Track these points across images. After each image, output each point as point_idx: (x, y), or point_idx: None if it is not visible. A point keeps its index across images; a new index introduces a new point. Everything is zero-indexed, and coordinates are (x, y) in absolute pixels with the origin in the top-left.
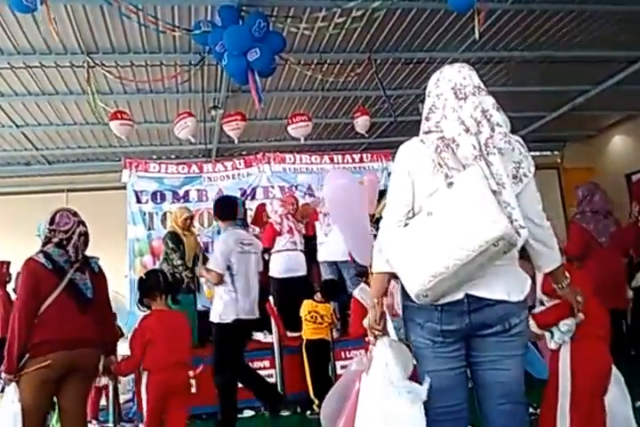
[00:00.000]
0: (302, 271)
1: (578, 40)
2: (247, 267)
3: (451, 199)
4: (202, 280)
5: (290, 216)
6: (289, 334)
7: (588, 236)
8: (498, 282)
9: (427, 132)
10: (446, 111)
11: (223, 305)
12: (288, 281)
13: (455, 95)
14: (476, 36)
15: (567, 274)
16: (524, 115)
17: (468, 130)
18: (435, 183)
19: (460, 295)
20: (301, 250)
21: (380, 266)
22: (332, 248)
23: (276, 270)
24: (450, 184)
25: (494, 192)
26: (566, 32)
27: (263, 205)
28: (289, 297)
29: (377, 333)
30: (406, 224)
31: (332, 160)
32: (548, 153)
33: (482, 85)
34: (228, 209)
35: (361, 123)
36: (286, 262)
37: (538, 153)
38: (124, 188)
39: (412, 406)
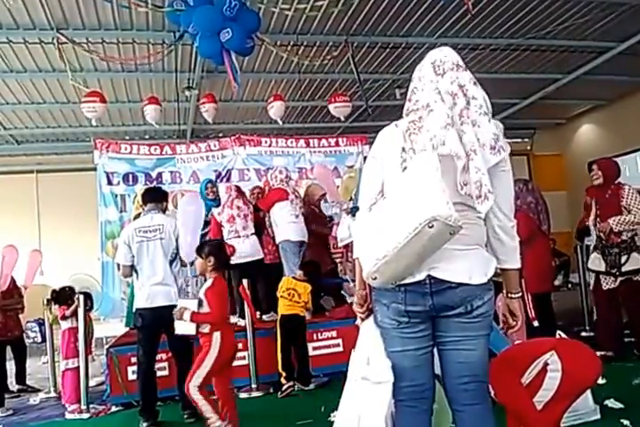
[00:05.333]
0: (255, 256)
1: (550, 29)
2: (151, 255)
3: (402, 183)
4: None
5: (232, 204)
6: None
7: (534, 224)
8: (460, 265)
9: (407, 114)
10: (425, 85)
11: (136, 294)
12: (241, 267)
13: (434, 70)
14: (470, 9)
15: (521, 288)
16: (495, 102)
17: (443, 100)
18: (395, 169)
19: (422, 276)
20: (250, 234)
21: (356, 251)
22: (301, 230)
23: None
24: (404, 168)
25: (468, 157)
26: (539, 21)
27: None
28: (251, 282)
29: (361, 315)
30: (371, 209)
31: (307, 144)
32: (519, 140)
33: (461, 63)
34: (143, 197)
35: (338, 109)
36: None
37: (509, 140)
38: (95, 169)
39: (377, 388)
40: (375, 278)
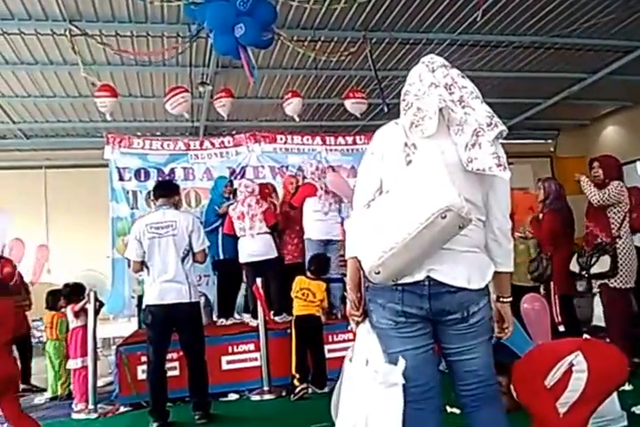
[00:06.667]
0: (267, 255)
1: (575, 27)
2: (163, 251)
3: (407, 176)
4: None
5: (244, 201)
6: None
7: (559, 225)
8: (460, 268)
9: (405, 111)
10: (421, 81)
11: (146, 290)
12: (253, 265)
13: (427, 67)
14: (478, 16)
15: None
16: (518, 101)
17: (439, 87)
18: (398, 164)
19: (421, 276)
20: (256, 233)
21: (350, 251)
22: (328, 227)
23: (240, 256)
24: (409, 162)
25: (477, 133)
26: (563, 19)
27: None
28: (264, 281)
29: (357, 319)
30: (369, 206)
31: (324, 141)
32: (542, 141)
33: (447, 63)
34: (153, 192)
35: (354, 105)
36: (245, 247)
37: (532, 141)
38: (106, 165)
39: (389, 391)
40: (378, 273)
